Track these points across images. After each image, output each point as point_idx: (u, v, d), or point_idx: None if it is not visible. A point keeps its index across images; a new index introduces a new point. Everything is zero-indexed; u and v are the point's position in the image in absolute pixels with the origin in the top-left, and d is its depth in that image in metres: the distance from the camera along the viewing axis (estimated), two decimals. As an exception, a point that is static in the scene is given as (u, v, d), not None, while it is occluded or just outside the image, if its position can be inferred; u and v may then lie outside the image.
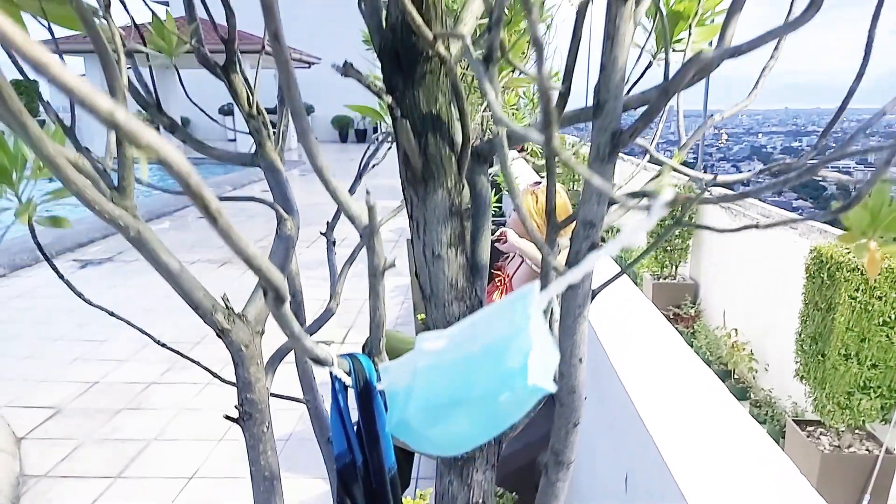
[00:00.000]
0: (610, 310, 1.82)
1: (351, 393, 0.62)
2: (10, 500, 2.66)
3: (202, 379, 3.89)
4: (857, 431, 4.37)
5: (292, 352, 1.08)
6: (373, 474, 0.64)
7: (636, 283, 7.14)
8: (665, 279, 6.52)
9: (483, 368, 0.31)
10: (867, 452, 4.29)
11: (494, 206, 4.20)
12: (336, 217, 1.03)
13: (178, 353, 0.90)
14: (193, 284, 0.63)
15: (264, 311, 0.72)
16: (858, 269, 4.07)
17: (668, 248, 6.36)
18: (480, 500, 0.81)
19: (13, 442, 3.11)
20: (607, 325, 1.66)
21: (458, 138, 0.63)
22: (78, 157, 0.58)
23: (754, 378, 5.53)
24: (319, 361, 0.52)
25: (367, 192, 0.44)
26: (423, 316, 3.88)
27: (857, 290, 4.08)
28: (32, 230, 0.87)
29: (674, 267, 6.51)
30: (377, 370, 0.60)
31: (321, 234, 1.07)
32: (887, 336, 4.14)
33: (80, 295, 0.87)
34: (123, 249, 7.37)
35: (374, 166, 1.20)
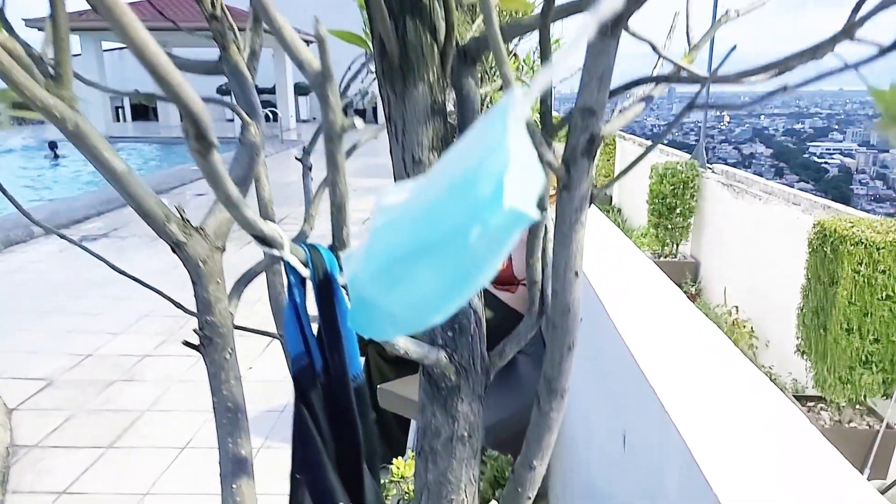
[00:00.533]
0: (606, 261, 1.76)
1: (310, 287, 0.56)
2: (1, 470, 2.63)
3: (197, 352, 3.84)
4: (857, 406, 4.34)
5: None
6: (334, 380, 0.58)
7: (636, 261, 7.07)
8: (665, 257, 6.46)
9: (449, 206, 0.25)
10: (868, 427, 4.26)
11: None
12: (312, 142, 0.96)
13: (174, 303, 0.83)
14: (143, 191, 0.57)
15: (225, 224, 0.66)
16: (862, 243, 4.01)
17: (670, 226, 6.29)
18: (466, 434, 0.75)
19: (4, 412, 3.06)
20: (603, 277, 1.60)
21: (441, 25, 0.56)
22: (8, 38, 0.51)
23: (755, 355, 5.50)
24: (266, 243, 0.46)
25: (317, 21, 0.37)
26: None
27: (860, 264, 4.02)
28: (19, 206, 0.81)
29: (675, 245, 6.44)
30: (340, 263, 0.54)
31: (296, 158, 1.00)
32: (890, 310, 4.09)
33: (104, 260, 0.81)
34: (119, 226, 7.30)
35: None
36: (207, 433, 2.94)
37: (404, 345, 0.63)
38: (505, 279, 2.31)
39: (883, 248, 3.99)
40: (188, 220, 0.61)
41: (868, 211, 5.01)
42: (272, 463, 2.72)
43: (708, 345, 1.25)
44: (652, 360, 1.17)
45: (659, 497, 1.02)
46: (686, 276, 6.34)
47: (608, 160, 8.73)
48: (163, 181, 9.75)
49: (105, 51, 17.79)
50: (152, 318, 4.41)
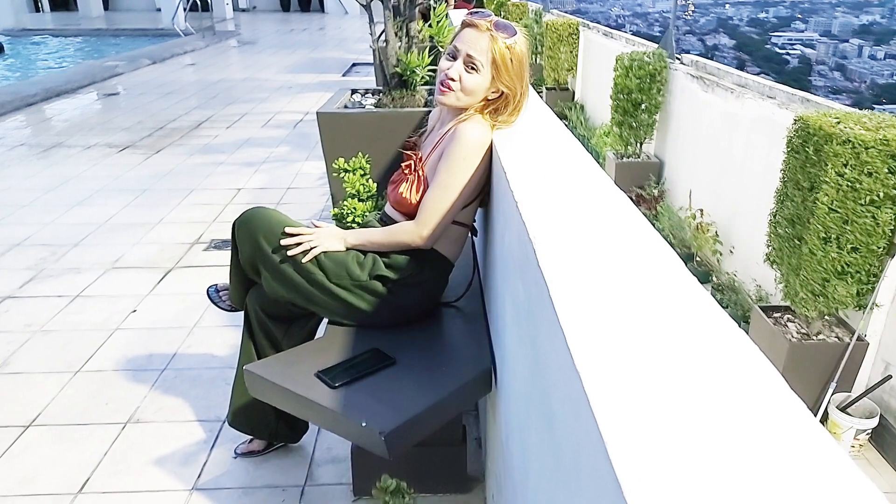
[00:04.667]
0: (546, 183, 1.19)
1: None
2: None
3: (72, 290, 3.21)
4: (826, 318, 4.02)
5: None
6: None
7: (599, 163, 6.51)
8: (629, 158, 5.91)
9: None
10: (837, 340, 3.98)
11: (429, 71, 3.42)
12: None
13: None
14: None
15: None
16: (849, 142, 3.51)
17: (634, 123, 5.70)
18: None
19: None
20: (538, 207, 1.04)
21: None
22: None
23: (718, 262, 5.13)
24: None
25: None
26: (335, 211, 3.21)
27: (845, 166, 3.53)
28: None
29: (638, 144, 5.88)
30: None
31: None
32: (873, 217, 3.66)
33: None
34: (7, 133, 6.36)
35: None
36: (60, 407, 2.36)
37: None
38: (410, 209, 1.72)
39: (872, 146, 3.50)
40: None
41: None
42: (141, 442, 2.18)
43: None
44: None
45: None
46: (650, 177, 5.83)
47: (571, 51, 7.94)
48: (68, 80, 8.63)
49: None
50: (24, 247, 3.71)
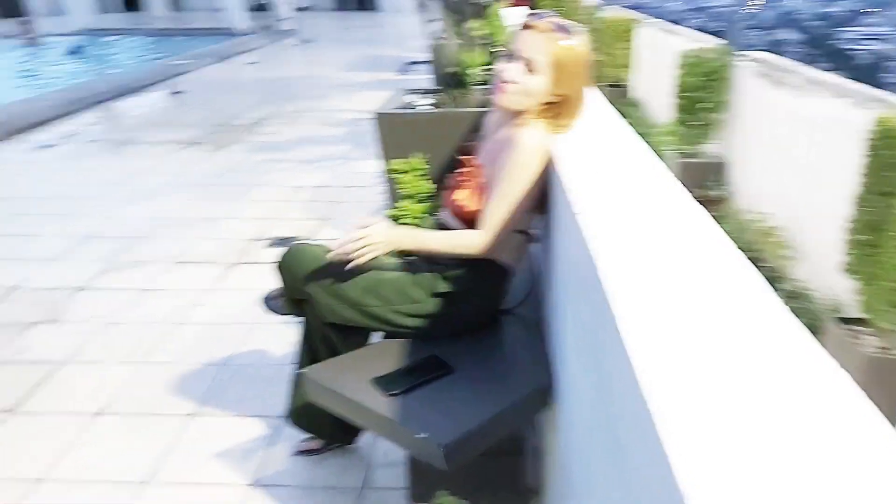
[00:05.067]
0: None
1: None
2: None
3: (140, 283, 3.32)
4: (904, 332, 3.81)
5: None
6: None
7: (657, 162, 6.33)
8: (690, 157, 5.74)
9: None
10: (915, 356, 3.76)
11: (485, 68, 3.40)
12: None
13: None
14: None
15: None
16: (932, 145, 3.31)
17: (696, 122, 5.53)
18: None
19: None
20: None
21: None
22: None
23: (786, 268, 4.93)
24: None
25: None
26: (391, 212, 3.22)
27: (927, 171, 3.33)
28: None
29: (701, 144, 5.70)
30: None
31: None
32: (958, 225, 3.44)
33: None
34: (80, 130, 6.64)
35: None
36: (131, 393, 2.45)
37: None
38: (468, 216, 1.71)
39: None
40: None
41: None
42: (204, 435, 2.24)
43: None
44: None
45: None
46: (712, 178, 5.65)
47: (628, 48, 7.76)
48: (138, 78, 8.95)
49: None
50: (96, 240, 3.86)
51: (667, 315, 0.79)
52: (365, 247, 1.62)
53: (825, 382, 0.66)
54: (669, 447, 0.57)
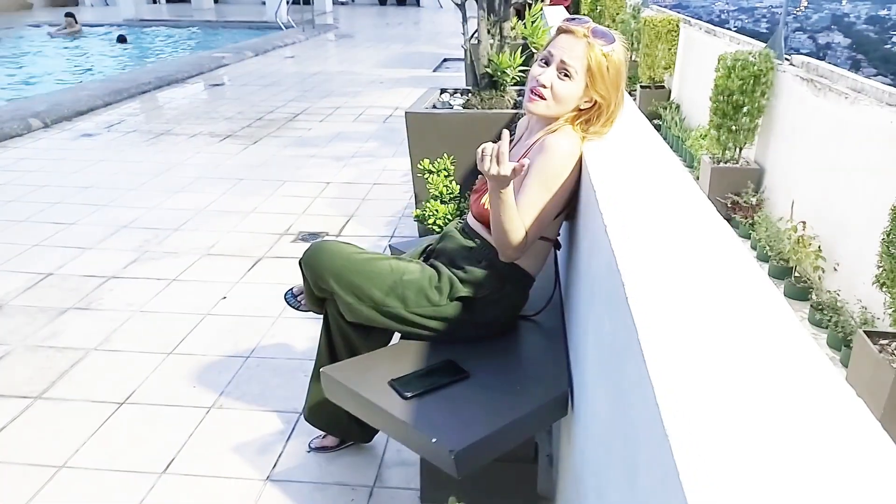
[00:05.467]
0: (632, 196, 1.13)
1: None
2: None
3: (170, 274, 3.38)
4: (942, 350, 3.68)
5: None
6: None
7: (692, 167, 6.23)
8: (727, 163, 5.62)
9: None
10: (953, 375, 3.63)
11: (520, 71, 3.37)
12: None
13: None
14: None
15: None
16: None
17: (734, 127, 5.41)
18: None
19: (-62, 345, 2.68)
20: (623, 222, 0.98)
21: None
22: None
23: (820, 279, 4.79)
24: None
25: None
26: (417, 212, 3.22)
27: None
28: None
29: (738, 149, 5.58)
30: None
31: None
32: None
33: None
34: (123, 119, 6.79)
35: None
36: (154, 384, 2.49)
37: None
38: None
39: None
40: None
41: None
42: (223, 428, 2.26)
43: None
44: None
45: None
46: (748, 184, 5.53)
47: (669, 49, 7.62)
48: (179, 69, 9.11)
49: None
50: (130, 230, 3.94)
51: (689, 339, 0.77)
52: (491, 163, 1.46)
53: (843, 411, 0.64)
54: (684, 471, 0.56)
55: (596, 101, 1.60)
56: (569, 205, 1.67)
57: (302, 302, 2.05)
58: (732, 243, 1.06)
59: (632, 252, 0.99)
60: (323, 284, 1.75)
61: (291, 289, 2.11)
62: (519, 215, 1.56)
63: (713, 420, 0.63)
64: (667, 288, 0.89)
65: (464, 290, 1.69)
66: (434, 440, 1.33)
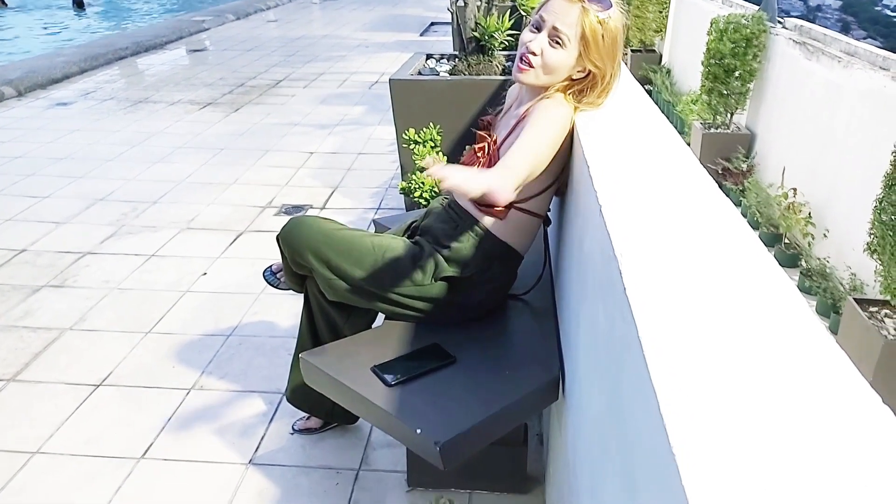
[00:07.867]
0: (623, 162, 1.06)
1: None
2: None
3: (148, 249, 3.28)
4: (931, 317, 3.67)
5: None
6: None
7: (683, 132, 6.13)
8: (717, 128, 5.54)
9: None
10: (941, 342, 3.63)
11: (507, 35, 3.24)
12: None
13: None
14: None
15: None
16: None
17: (725, 91, 5.31)
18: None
19: None
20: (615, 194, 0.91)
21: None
22: None
23: (809, 245, 4.77)
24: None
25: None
26: (403, 184, 3.11)
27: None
28: None
29: (729, 115, 5.49)
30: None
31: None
32: None
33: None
34: (99, 87, 6.58)
35: None
36: (130, 368, 2.41)
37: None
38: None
39: None
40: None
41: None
42: (204, 410, 2.20)
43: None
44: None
45: None
46: (738, 150, 5.46)
47: (661, 12, 7.46)
48: (157, 34, 8.83)
49: None
50: (106, 203, 3.82)
51: (694, 341, 0.70)
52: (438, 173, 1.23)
53: (848, 394, 0.59)
54: (682, 463, 0.52)
55: (590, 71, 1.50)
56: (558, 178, 1.59)
57: (281, 280, 1.97)
58: (737, 225, 0.99)
59: (630, 237, 0.91)
60: (301, 261, 1.66)
61: (270, 266, 2.02)
62: (482, 181, 1.32)
63: (712, 409, 0.58)
64: (668, 279, 0.82)
65: (449, 270, 1.61)
66: (418, 431, 1.27)
